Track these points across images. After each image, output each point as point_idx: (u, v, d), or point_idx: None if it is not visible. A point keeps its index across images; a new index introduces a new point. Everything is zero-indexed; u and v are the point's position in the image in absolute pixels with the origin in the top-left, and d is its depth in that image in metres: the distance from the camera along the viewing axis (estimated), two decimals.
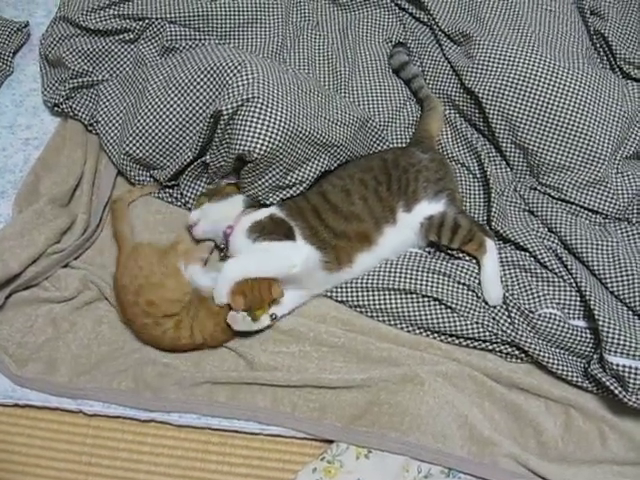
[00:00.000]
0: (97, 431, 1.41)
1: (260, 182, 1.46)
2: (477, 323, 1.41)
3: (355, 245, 1.44)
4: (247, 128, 1.38)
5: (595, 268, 1.45)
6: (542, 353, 1.38)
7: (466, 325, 1.42)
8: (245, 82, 1.41)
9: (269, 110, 1.38)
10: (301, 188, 1.51)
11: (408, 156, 1.53)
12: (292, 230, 1.43)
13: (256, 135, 1.37)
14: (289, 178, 1.48)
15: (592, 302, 1.36)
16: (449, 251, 1.50)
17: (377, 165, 1.52)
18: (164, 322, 1.37)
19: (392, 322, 1.46)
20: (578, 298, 1.44)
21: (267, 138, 1.37)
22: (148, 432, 1.41)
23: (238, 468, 1.38)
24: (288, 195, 1.50)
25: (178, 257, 1.45)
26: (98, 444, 1.40)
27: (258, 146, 1.37)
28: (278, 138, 1.38)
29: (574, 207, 1.58)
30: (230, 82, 1.44)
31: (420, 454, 1.34)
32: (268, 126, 1.37)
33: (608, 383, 1.33)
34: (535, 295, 1.44)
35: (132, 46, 1.72)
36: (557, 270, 1.46)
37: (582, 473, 1.32)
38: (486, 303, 1.44)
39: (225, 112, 1.40)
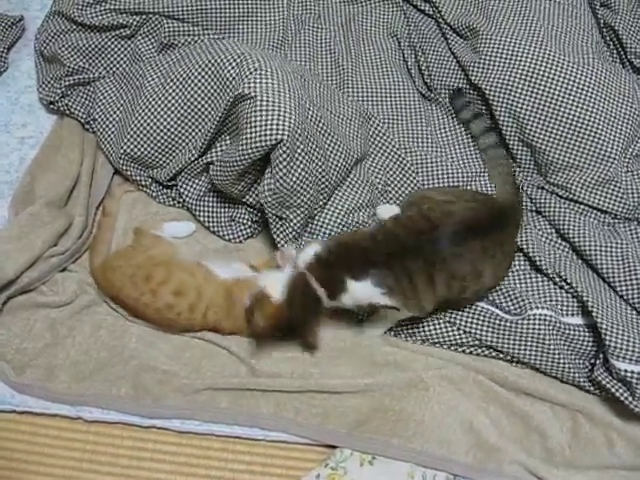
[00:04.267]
0: (97, 437, 1.39)
1: (288, 181, 1.38)
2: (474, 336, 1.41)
3: None
4: (259, 124, 1.32)
5: (603, 270, 1.42)
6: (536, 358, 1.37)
7: (466, 337, 1.41)
8: (248, 74, 1.37)
9: (277, 96, 1.34)
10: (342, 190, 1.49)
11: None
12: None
13: (272, 122, 1.31)
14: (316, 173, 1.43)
15: (594, 310, 1.33)
16: None
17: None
18: (177, 302, 1.35)
19: (392, 335, 1.46)
20: (570, 294, 1.42)
21: (281, 121, 1.31)
22: (149, 438, 1.39)
23: (241, 474, 1.36)
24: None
25: (151, 232, 1.48)
26: (98, 450, 1.38)
27: (275, 130, 1.31)
28: (294, 119, 1.32)
29: (582, 207, 1.55)
30: (231, 76, 1.41)
31: (425, 461, 1.32)
32: (281, 110, 1.32)
33: (613, 389, 1.31)
34: (524, 296, 1.41)
35: (129, 42, 1.69)
36: (552, 276, 1.44)
37: (589, 479, 1.30)
38: None
39: (232, 108, 1.37)
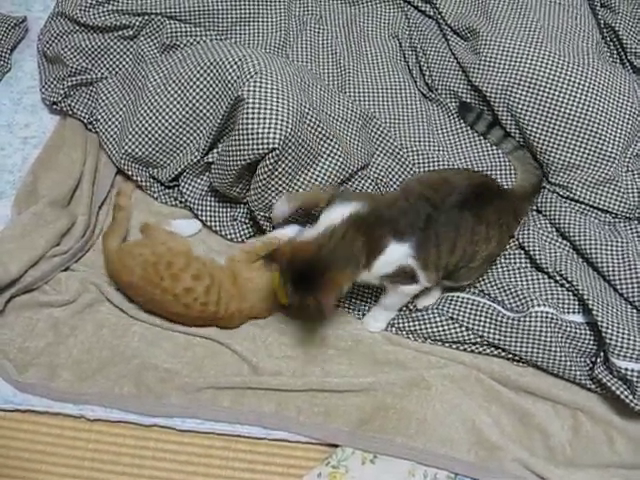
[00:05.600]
0: (99, 436, 1.39)
1: (273, 183, 1.40)
2: (476, 332, 1.41)
3: None
4: (253, 131, 1.33)
5: (604, 269, 1.43)
6: (536, 355, 1.38)
7: (468, 334, 1.41)
8: (249, 77, 1.38)
9: (275, 102, 1.34)
10: None
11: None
12: None
13: (266, 129, 1.32)
14: (301, 178, 1.44)
15: (595, 308, 1.34)
16: None
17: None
18: (195, 286, 1.36)
19: (394, 332, 1.46)
20: (570, 292, 1.43)
21: (278, 129, 1.32)
22: (150, 437, 1.39)
23: (242, 473, 1.36)
24: None
25: (164, 228, 1.50)
26: (100, 449, 1.38)
27: (271, 138, 1.32)
28: (289, 127, 1.33)
29: (583, 206, 1.56)
30: (232, 79, 1.41)
31: (427, 459, 1.33)
32: (277, 118, 1.33)
33: (614, 388, 1.31)
34: (526, 293, 1.42)
35: (131, 43, 1.69)
36: (553, 274, 1.45)
37: (589, 477, 1.30)
38: None
39: (232, 111, 1.38)
